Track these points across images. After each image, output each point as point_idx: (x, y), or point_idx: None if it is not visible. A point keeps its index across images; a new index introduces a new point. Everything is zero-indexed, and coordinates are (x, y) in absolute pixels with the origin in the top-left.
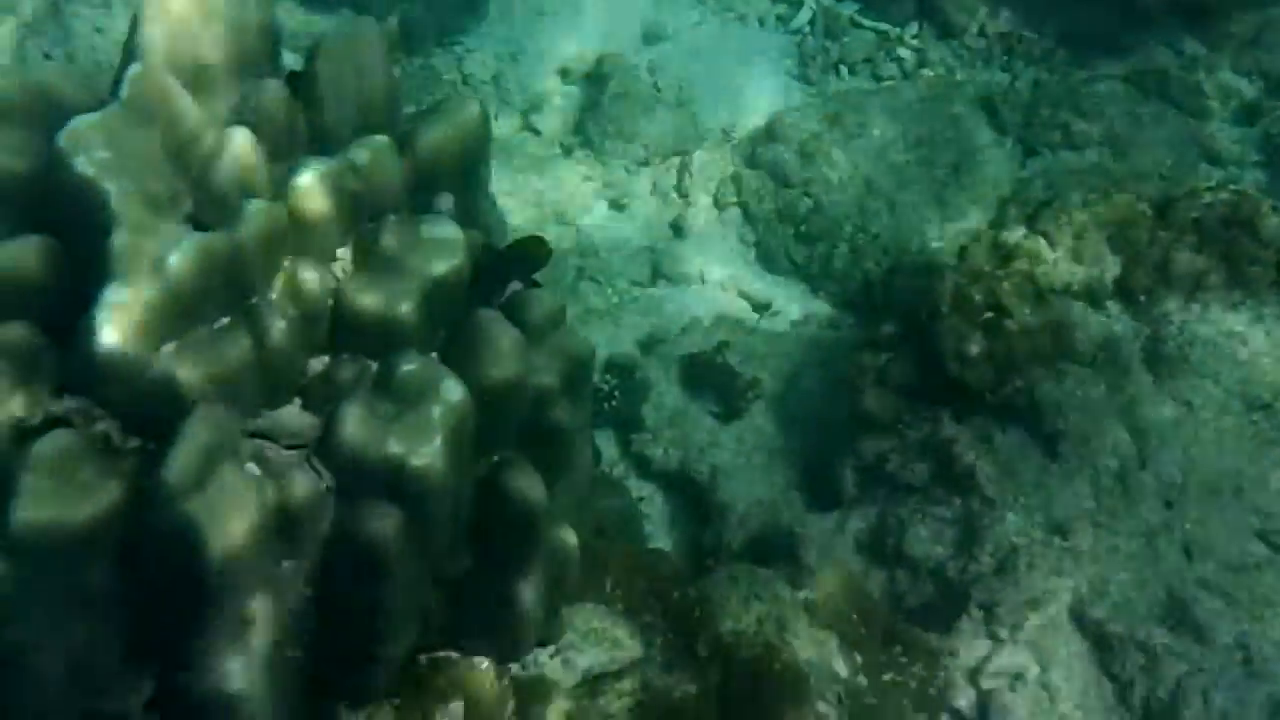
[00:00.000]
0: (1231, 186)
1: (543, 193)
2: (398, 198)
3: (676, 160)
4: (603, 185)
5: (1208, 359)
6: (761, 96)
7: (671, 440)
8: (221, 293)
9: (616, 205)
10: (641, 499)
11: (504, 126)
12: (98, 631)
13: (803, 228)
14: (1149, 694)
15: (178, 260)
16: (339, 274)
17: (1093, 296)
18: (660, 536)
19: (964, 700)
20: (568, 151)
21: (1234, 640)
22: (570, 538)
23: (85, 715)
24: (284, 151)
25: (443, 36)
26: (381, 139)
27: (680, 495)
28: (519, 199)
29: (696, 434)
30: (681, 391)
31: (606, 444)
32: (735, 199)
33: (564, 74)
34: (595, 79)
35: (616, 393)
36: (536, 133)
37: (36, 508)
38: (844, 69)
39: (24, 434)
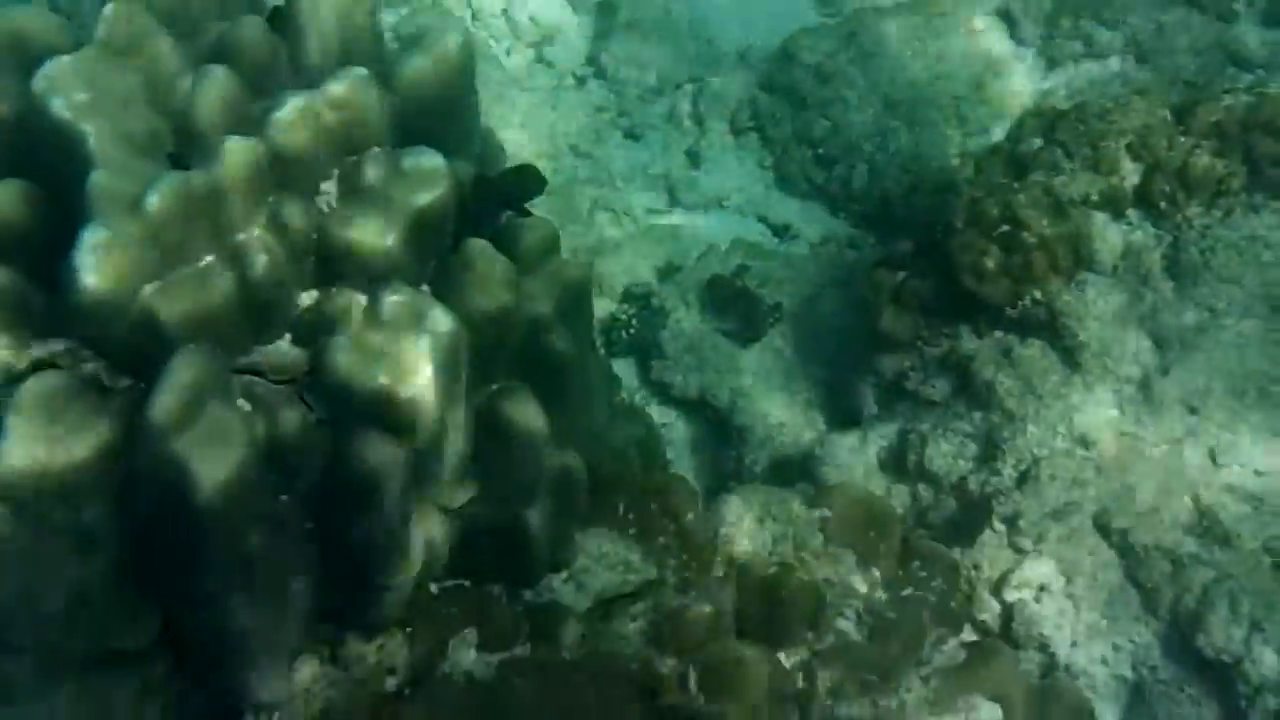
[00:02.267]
0: (1252, 88)
1: (555, 124)
2: (381, 131)
3: (691, 87)
4: (617, 114)
5: (1230, 263)
6: (777, 18)
7: (691, 366)
8: (203, 231)
9: (631, 135)
10: (664, 425)
11: (516, 59)
12: (100, 571)
13: (820, 149)
14: (1176, 601)
15: (156, 199)
16: (323, 208)
17: (1113, 206)
18: (683, 462)
19: (988, 613)
20: (581, 82)
21: (1261, 545)
22: (575, 462)
23: (100, 654)
24: (264, 88)
25: None
26: (360, 70)
27: (702, 421)
28: (532, 132)
29: (716, 359)
30: (700, 317)
31: (626, 372)
32: (751, 123)
33: (574, 3)
34: (606, 7)
35: (634, 321)
36: (549, 65)
37: (27, 449)
38: None
39: (11, 378)
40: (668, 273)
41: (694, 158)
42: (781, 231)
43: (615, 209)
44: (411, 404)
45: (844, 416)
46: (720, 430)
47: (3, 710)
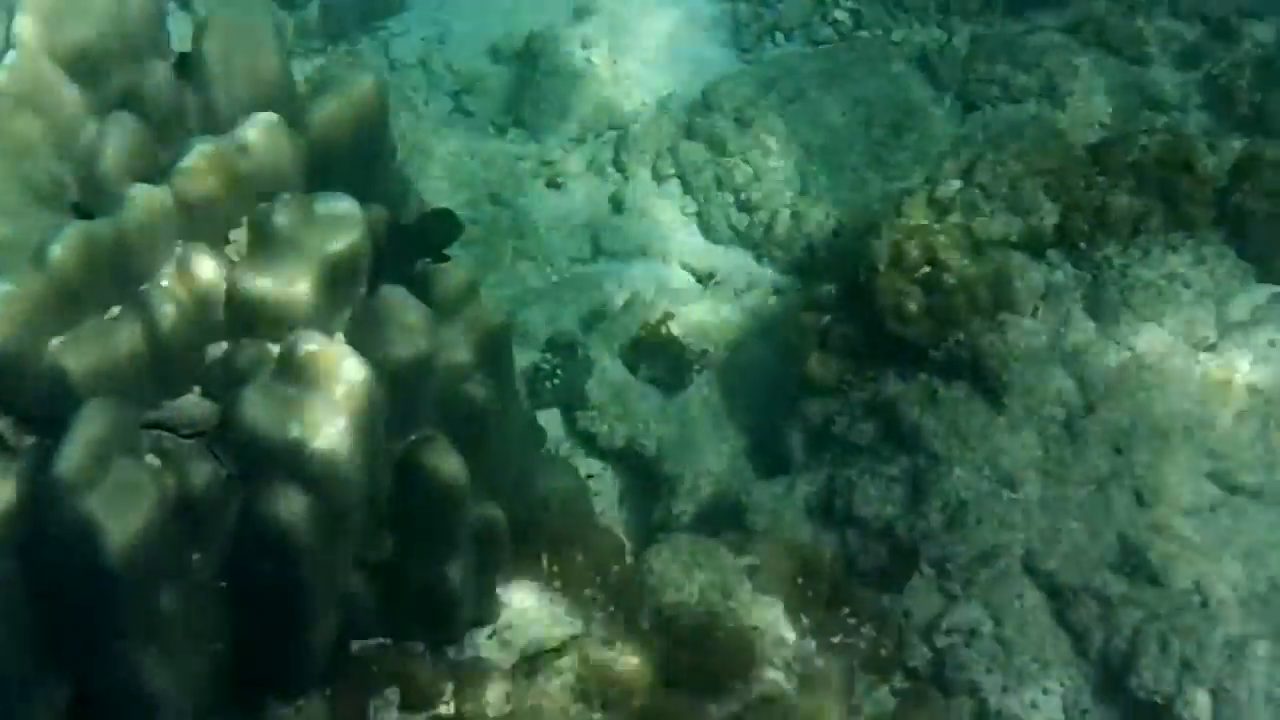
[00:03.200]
0: (1168, 128)
1: (476, 173)
2: (291, 177)
3: (613, 135)
4: (539, 164)
5: (1150, 302)
6: (697, 66)
7: (617, 416)
8: (109, 281)
9: (553, 183)
10: (590, 477)
11: (435, 109)
12: (7, 635)
13: (743, 195)
14: (1106, 643)
15: (59, 250)
16: (233, 257)
17: (1032, 246)
18: (611, 513)
19: (918, 659)
20: (501, 131)
21: (1191, 584)
22: (496, 514)
23: None
24: (172, 134)
25: (367, 22)
26: (270, 116)
27: (629, 470)
28: (453, 181)
29: (642, 408)
30: (625, 367)
31: (552, 423)
32: (673, 170)
33: (494, 53)
34: (526, 57)
35: (559, 371)
36: (469, 114)
37: None
38: (779, 35)
39: None
40: (592, 321)
41: (617, 205)
42: (705, 279)
43: (537, 258)
44: (325, 456)
45: (772, 463)
46: (648, 480)
47: None
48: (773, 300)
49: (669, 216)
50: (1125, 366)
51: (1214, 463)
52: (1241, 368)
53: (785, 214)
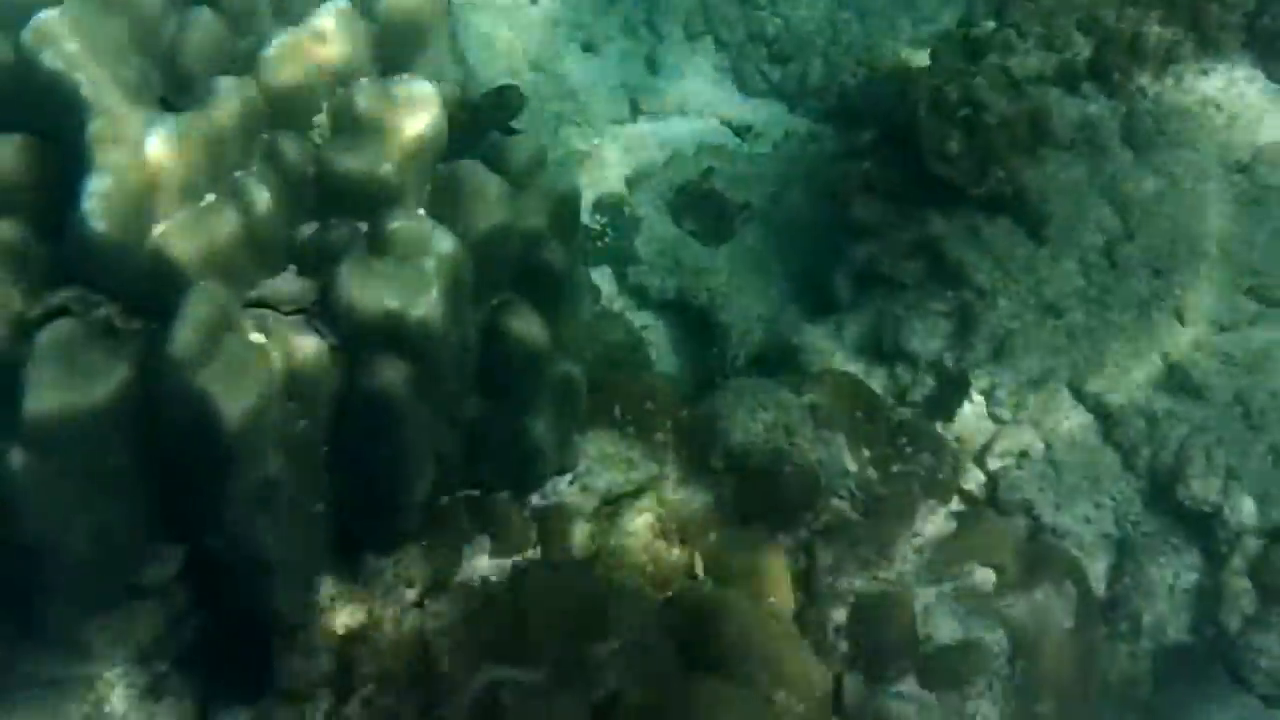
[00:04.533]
0: None
1: (513, 41)
2: (366, 61)
3: None
4: (572, 28)
5: (1184, 128)
6: None
7: (667, 269)
8: (204, 171)
9: (589, 47)
10: (644, 329)
11: None
12: (123, 509)
13: (775, 47)
14: (1153, 458)
15: (157, 143)
16: (317, 141)
17: (1067, 81)
18: (666, 363)
19: (973, 483)
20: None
21: (1233, 397)
22: (574, 369)
23: (126, 590)
24: (247, 25)
25: None
26: (341, 2)
27: (681, 322)
28: (491, 51)
29: (691, 260)
30: (672, 222)
31: (604, 280)
32: (705, 28)
33: None
34: None
35: (608, 230)
36: None
37: (47, 396)
38: None
39: (26, 328)
40: (636, 181)
41: (652, 65)
42: (743, 132)
43: (579, 122)
44: (421, 324)
45: (820, 306)
46: (700, 329)
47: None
48: (810, 149)
49: (704, 73)
50: (1162, 192)
51: (1252, 279)
52: (1274, 184)
53: (818, 63)
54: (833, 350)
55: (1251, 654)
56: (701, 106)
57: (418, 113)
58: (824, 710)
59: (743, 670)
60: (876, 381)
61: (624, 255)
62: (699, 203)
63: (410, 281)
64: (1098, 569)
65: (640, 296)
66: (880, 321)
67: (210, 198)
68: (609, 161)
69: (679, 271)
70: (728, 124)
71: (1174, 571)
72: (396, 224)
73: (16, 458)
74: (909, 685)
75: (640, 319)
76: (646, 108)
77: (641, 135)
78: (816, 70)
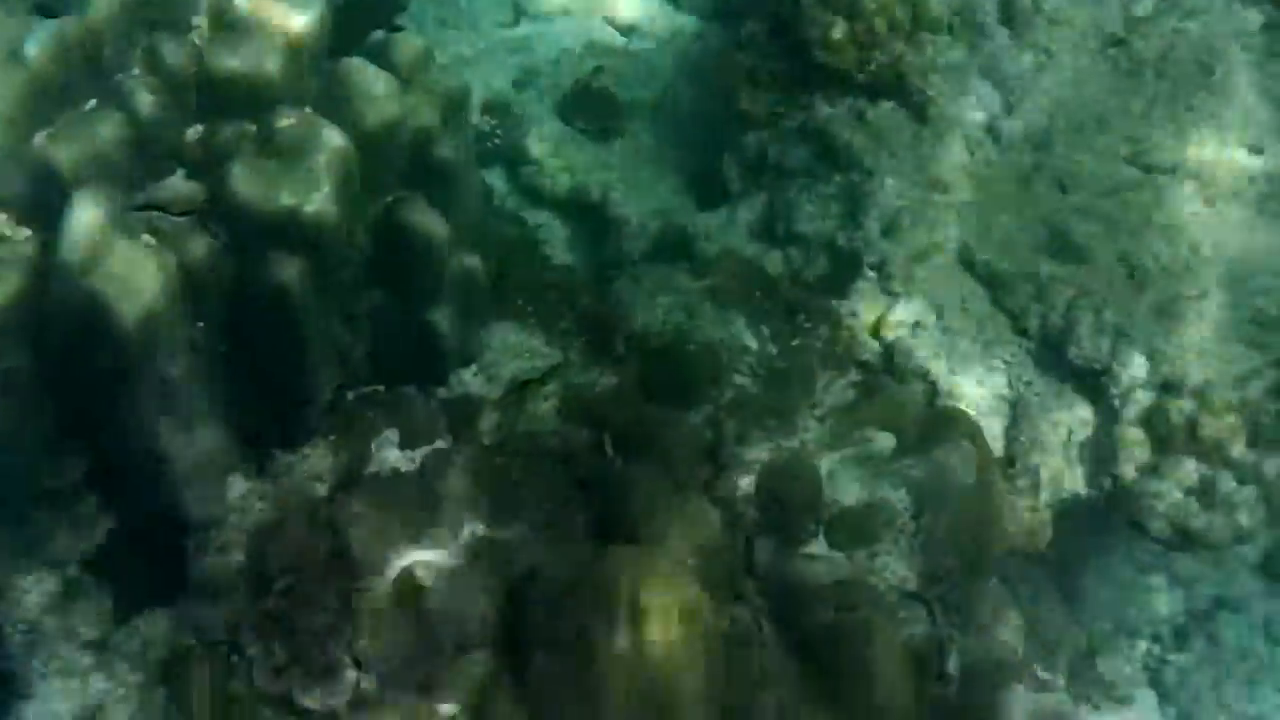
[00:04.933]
0: None
1: None
2: None
3: None
4: None
5: (1061, 6)
6: None
7: (559, 168)
8: (84, 75)
9: None
10: (538, 228)
11: None
12: (25, 416)
13: None
14: (1043, 320)
15: (35, 49)
16: (198, 41)
17: None
18: (561, 260)
19: (869, 354)
20: None
21: (1116, 259)
22: (474, 260)
23: (30, 497)
24: None
25: None
26: None
27: (576, 219)
28: None
29: (582, 158)
30: (561, 121)
31: (497, 181)
32: None
33: None
34: None
35: (498, 131)
36: None
37: None
38: None
39: None
40: (524, 82)
41: None
42: (628, 32)
43: (462, 26)
44: (314, 220)
45: (713, 197)
46: (595, 227)
47: None
48: (696, 46)
49: None
50: (1041, 65)
51: (1131, 146)
52: (1149, 57)
53: None
54: (727, 238)
55: (1149, 500)
56: (586, 8)
57: (299, 10)
58: (737, 574)
59: (655, 540)
60: (771, 265)
61: (515, 156)
62: (588, 101)
63: (302, 178)
64: (994, 429)
65: (533, 196)
66: (772, 207)
67: (92, 103)
68: (495, 63)
69: (571, 170)
70: (612, 23)
71: (1068, 428)
72: (284, 122)
73: None
74: (818, 547)
75: (535, 218)
76: (530, 9)
77: (526, 37)
78: None
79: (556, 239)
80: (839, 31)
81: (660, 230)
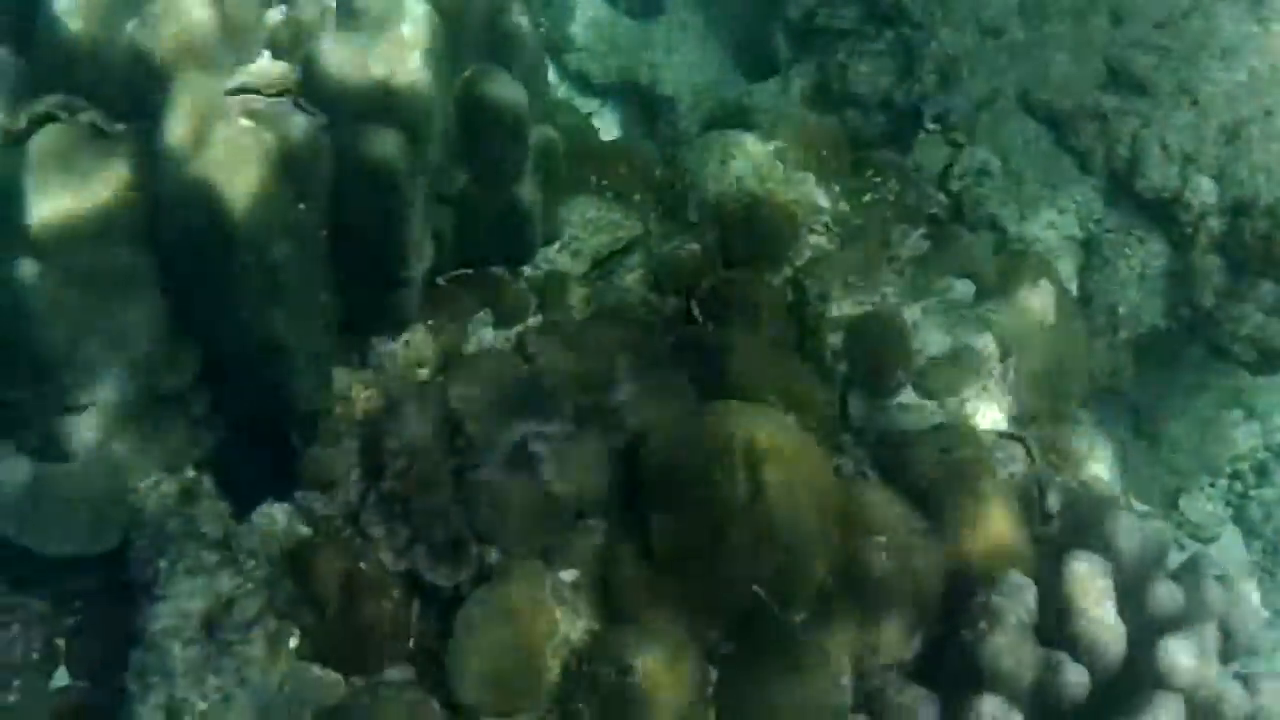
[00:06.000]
0: None
1: None
2: None
3: None
4: None
5: None
6: None
7: (605, 52)
8: None
9: None
10: (590, 114)
11: None
12: (136, 310)
13: None
14: (1109, 155)
15: None
16: None
17: None
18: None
19: (938, 206)
20: None
21: (1176, 87)
22: (551, 133)
23: (146, 401)
24: None
25: None
26: None
27: (627, 101)
28: None
29: (627, 39)
30: (603, 2)
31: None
32: None
33: None
34: None
35: (542, 18)
36: None
37: (51, 201)
38: None
39: (13, 139)
40: None
41: None
42: None
43: None
44: (409, 90)
45: (762, 67)
46: (647, 107)
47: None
48: None
49: None
50: None
51: None
52: None
53: None
54: (783, 105)
55: (1230, 324)
56: None
57: None
58: (834, 426)
59: (754, 396)
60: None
61: (560, 43)
62: None
63: (392, 48)
64: (1067, 270)
65: (582, 82)
66: (825, 71)
67: None
68: None
69: (617, 52)
70: None
71: (1141, 261)
72: None
73: (26, 268)
74: (908, 396)
75: (585, 105)
76: None
77: None
78: None
79: (608, 126)
80: None
81: (713, 106)
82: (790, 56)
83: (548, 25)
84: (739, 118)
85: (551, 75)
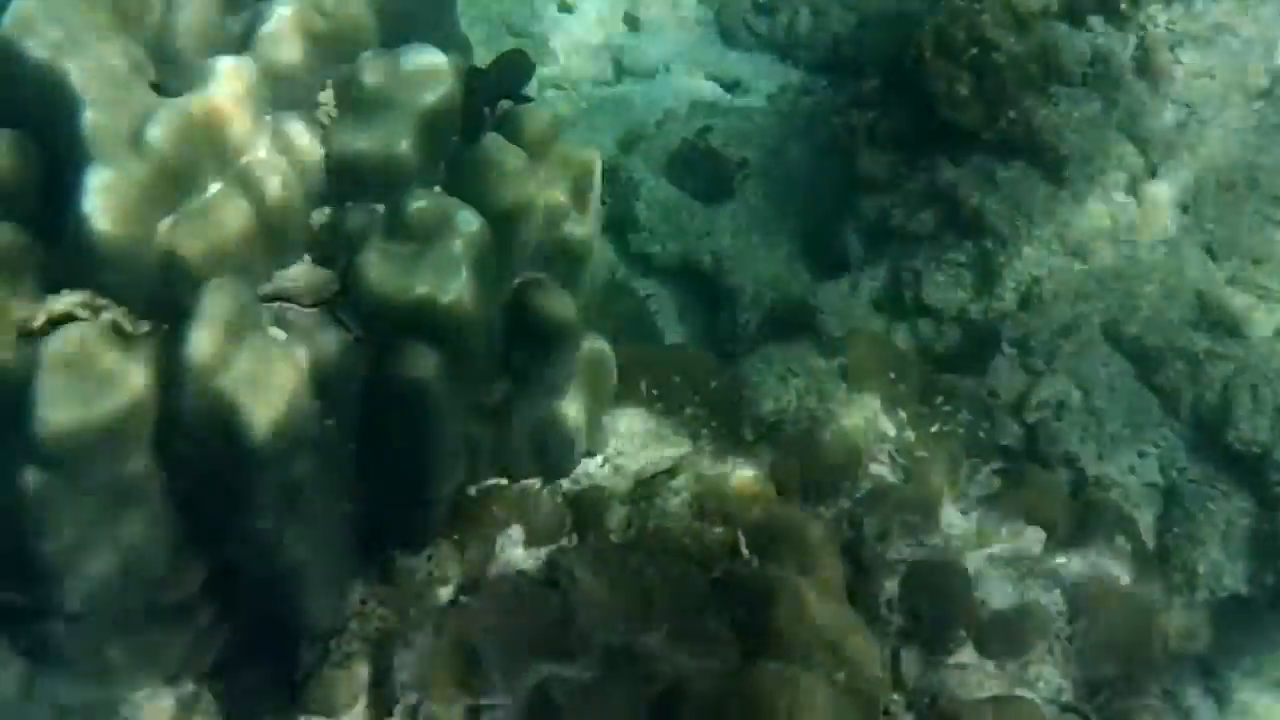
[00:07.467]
0: None
1: (489, 6)
2: (371, 33)
3: None
4: None
5: (1201, 55)
6: None
7: (668, 234)
8: (207, 158)
9: (565, 7)
10: (648, 297)
11: None
12: (144, 524)
13: None
14: (1197, 400)
15: (157, 131)
16: (325, 121)
17: (1073, 14)
18: (673, 332)
19: (1010, 438)
20: None
21: (1273, 332)
22: (602, 345)
23: (148, 611)
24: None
25: None
26: None
27: (687, 287)
28: (468, 16)
29: (692, 223)
30: (670, 184)
31: (603, 248)
32: None
33: None
34: None
35: (605, 196)
36: None
37: (61, 408)
38: None
39: (30, 335)
40: (629, 144)
41: (633, 23)
42: (732, 87)
43: (563, 86)
44: (452, 309)
45: (830, 264)
46: (708, 295)
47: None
48: (805, 101)
49: (687, 28)
50: (1184, 123)
51: None
52: None
53: (805, 12)
54: (850, 309)
55: None
56: (688, 64)
57: (430, 86)
58: (884, 687)
59: (802, 653)
60: (898, 338)
61: (623, 222)
62: (696, 163)
63: (438, 265)
64: (1145, 520)
65: (643, 263)
66: (897, 277)
67: (216, 187)
68: (598, 125)
69: (681, 236)
70: (715, 79)
71: (1226, 518)
72: (418, 204)
73: (32, 477)
74: (968, 655)
75: (644, 287)
76: (631, 67)
77: (628, 96)
78: (804, 19)
79: (667, 310)
80: (966, 86)
81: (776, 302)
82: (862, 256)
83: (611, 202)
84: (803, 316)
85: (611, 254)
